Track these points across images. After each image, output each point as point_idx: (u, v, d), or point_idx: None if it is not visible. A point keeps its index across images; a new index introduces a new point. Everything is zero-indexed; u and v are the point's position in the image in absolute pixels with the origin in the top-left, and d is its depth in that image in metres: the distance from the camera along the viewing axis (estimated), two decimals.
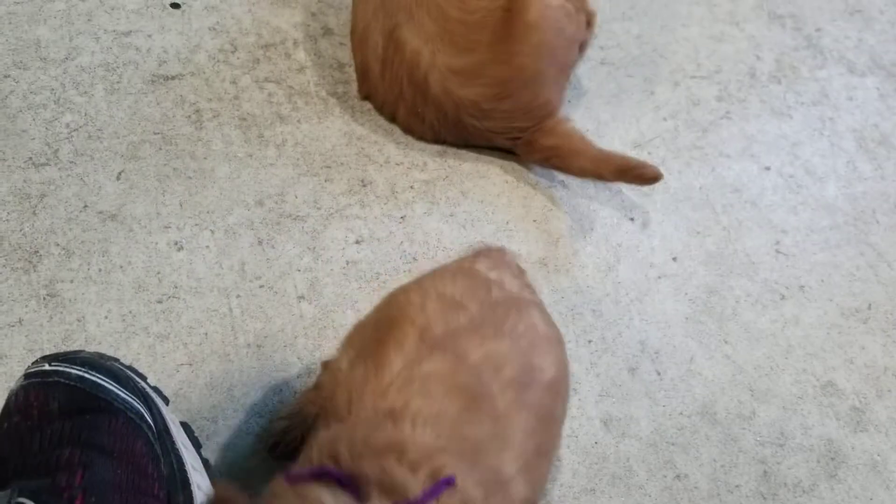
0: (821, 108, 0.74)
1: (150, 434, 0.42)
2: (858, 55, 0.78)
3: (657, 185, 0.65)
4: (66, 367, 0.43)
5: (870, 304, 0.62)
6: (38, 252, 0.55)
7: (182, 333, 0.54)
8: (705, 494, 0.53)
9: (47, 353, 0.44)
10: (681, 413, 0.56)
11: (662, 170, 0.66)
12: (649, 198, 0.65)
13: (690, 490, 0.53)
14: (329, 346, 0.55)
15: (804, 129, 0.72)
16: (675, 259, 0.62)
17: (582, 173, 0.62)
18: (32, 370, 0.43)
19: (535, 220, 0.62)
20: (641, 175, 0.60)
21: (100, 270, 0.55)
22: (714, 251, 0.63)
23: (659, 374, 0.57)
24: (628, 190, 0.65)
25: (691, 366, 0.57)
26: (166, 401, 0.45)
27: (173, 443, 0.43)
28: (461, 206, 0.62)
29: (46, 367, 0.43)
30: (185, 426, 0.46)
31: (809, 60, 0.77)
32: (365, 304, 0.56)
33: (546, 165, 0.64)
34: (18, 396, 0.42)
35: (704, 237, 0.64)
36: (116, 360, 0.45)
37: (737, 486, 0.53)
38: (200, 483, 0.43)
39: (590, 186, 0.65)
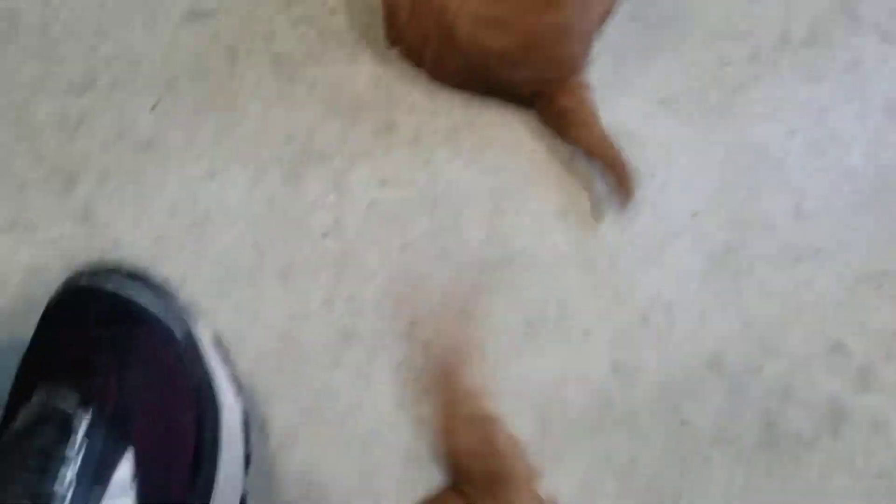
0: (852, 75, 0.73)
1: (180, 346, 0.44)
2: (893, 24, 0.77)
3: (681, 142, 0.66)
4: (103, 278, 0.45)
5: (885, 271, 0.62)
6: (75, 175, 0.57)
7: (211, 259, 0.56)
8: (709, 441, 0.55)
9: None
10: (689, 363, 0.57)
11: (689, 129, 0.67)
12: (672, 154, 0.65)
13: (694, 436, 0.55)
14: (350, 282, 0.57)
15: (833, 94, 0.72)
16: (694, 215, 0.63)
17: (576, 143, 0.63)
18: (71, 278, 0.46)
19: (557, 171, 0.63)
20: (620, 179, 0.61)
21: (134, 196, 0.57)
22: (734, 210, 0.64)
23: (670, 324, 0.58)
24: (652, 145, 0.66)
25: (703, 319, 0.59)
26: (197, 317, 0.48)
27: (203, 356, 0.45)
28: (484, 154, 0.63)
29: (84, 277, 0.45)
30: (217, 340, 0.48)
31: (844, 27, 0.76)
32: (387, 243, 0.58)
33: (552, 126, 0.65)
34: (58, 302, 0.45)
35: (726, 195, 0.64)
36: (150, 272, 0.47)
37: (739, 436, 0.55)
38: (229, 395, 0.46)
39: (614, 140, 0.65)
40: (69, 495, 0.36)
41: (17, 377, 0.45)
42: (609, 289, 0.59)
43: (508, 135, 0.64)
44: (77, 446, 0.38)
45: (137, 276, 0.46)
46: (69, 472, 0.37)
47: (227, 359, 0.48)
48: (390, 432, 0.53)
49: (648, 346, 0.57)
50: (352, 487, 0.51)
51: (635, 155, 0.65)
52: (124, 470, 0.40)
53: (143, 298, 0.45)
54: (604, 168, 0.62)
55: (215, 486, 0.43)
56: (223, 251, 0.56)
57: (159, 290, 0.46)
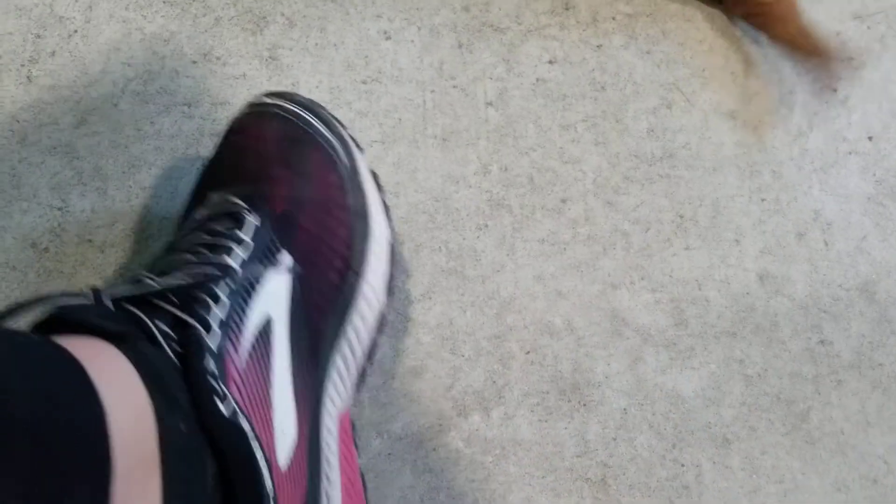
0: None
1: (343, 171, 0.48)
2: None
3: (869, 62, 0.62)
4: (283, 102, 0.48)
5: None
6: (265, 18, 0.60)
7: (379, 114, 0.58)
8: (846, 364, 0.53)
9: None
10: (840, 285, 0.55)
11: (879, 48, 0.63)
12: (858, 72, 0.62)
13: (832, 357, 0.54)
14: (507, 153, 0.58)
15: None
16: (870, 138, 0.60)
17: (777, 40, 0.60)
18: (255, 101, 0.49)
19: (732, 73, 0.61)
20: (825, 64, 0.59)
21: (316, 44, 0.60)
22: None
23: (826, 244, 0.56)
24: (839, 59, 0.62)
25: (862, 244, 0.56)
26: (361, 150, 0.51)
27: (361, 183, 0.49)
28: (659, 45, 0.61)
29: (267, 100, 0.49)
30: (374, 174, 0.51)
31: None
32: (547, 121, 0.59)
33: (749, 21, 0.62)
34: (241, 120, 0.49)
35: None
36: (324, 107, 0.50)
37: (880, 365, 0.54)
38: (380, 221, 0.49)
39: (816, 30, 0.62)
40: (240, 271, 0.40)
41: (198, 184, 0.50)
42: (768, 199, 0.57)
43: (689, 29, 0.62)
44: (251, 235, 0.42)
45: (313, 108, 0.49)
46: (241, 253, 0.41)
47: (381, 190, 0.51)
48: (527, 300, 0.55)
49: (800, 262, 0.56)
50: (482, 349, 0.54)
51: (820, 65, 0.62)
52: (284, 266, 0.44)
53: (316, 126, 0.48)
54: (805, 59, 0.60)
55: (359, 290, 0.47)
56: (390, 109, 0.58)
57: (330, 122, 0.49)
